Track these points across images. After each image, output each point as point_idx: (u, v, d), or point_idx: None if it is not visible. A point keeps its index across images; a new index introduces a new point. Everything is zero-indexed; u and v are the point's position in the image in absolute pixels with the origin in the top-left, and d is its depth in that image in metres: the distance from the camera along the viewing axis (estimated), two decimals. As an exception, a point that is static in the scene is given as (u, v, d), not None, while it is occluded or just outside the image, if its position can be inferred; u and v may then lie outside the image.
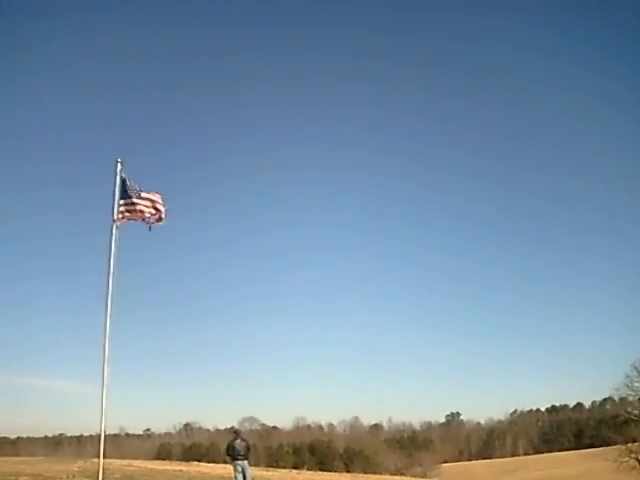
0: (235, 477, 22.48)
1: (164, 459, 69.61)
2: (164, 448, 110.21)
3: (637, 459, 62.65)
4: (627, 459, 62.71)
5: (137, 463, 44.89)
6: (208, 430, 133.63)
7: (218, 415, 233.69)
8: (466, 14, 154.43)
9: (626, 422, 70.47)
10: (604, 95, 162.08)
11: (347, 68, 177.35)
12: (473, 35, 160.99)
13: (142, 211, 16.32)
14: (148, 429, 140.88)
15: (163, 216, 16.55)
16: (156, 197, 16.50)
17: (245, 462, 22.47)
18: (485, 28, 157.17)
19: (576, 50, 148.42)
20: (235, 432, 24.06)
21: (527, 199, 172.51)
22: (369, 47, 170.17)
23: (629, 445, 63.78)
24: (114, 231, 16.15)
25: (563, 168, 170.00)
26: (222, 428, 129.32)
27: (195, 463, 54.66)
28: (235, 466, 22.41)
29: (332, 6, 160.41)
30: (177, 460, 66.29)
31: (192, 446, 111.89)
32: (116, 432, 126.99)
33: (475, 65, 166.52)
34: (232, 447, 22.56)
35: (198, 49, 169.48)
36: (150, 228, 16.52)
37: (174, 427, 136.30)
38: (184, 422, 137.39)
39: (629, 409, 70.14)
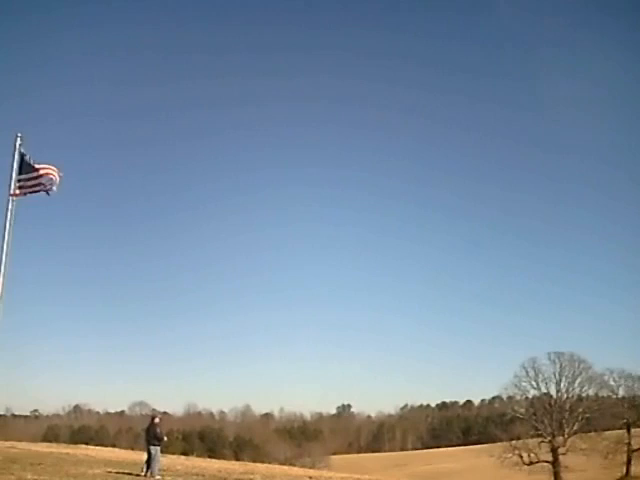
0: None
1: (51, 441, 67.05)
2: (51, 430, 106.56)
3: (520, 455, 65.23)
4: (511, 455, 65.30)
5: (21, 445, 42.87)
6: (98, 413, 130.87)
7: (108, 398, 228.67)
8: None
9: (512, 420, 73.28)
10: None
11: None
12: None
13: (40, 183, 16.34)
14: (36, 410, 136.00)
15: (56, 182, 16.45)
16: (50, 168, 16.48)
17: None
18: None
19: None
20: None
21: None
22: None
23: (513, 442, 66.40)
24: (10, 206, 15.98)
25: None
26: (112, 411, 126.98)
27: (83, 446, 52.91)
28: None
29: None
30: (65, 443, 64.02)
31: (81, 428, 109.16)
32: (2, 413, 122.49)
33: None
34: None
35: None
36: (48, 193, 16.48)
37: (63, 409, 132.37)
38: (73, 404, 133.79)
39: (516, 407, 72.83)
